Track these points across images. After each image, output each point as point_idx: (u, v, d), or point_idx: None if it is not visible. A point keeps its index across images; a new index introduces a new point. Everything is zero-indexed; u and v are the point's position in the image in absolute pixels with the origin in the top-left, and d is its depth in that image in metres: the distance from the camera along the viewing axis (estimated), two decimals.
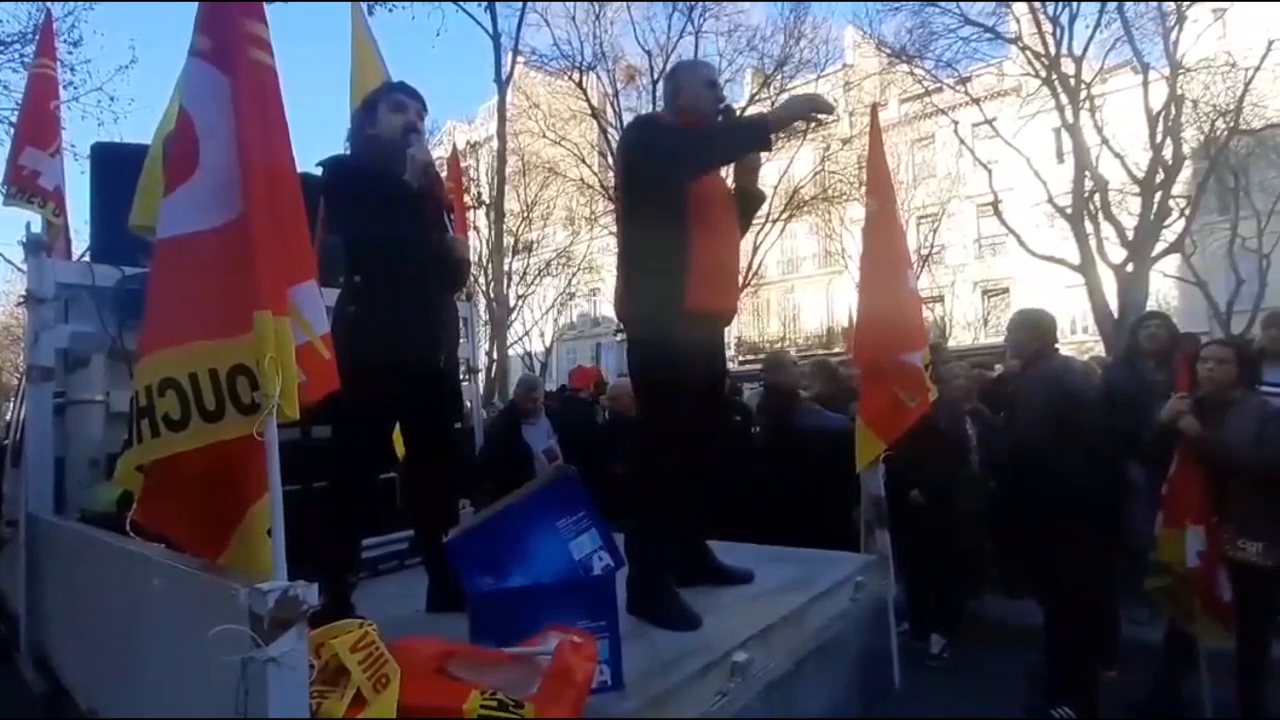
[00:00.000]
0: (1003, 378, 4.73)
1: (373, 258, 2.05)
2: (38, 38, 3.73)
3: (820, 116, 1.95)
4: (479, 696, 1.21)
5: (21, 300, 2.95)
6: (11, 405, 5.19)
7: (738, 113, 2.51)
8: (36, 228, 2.97)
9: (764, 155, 2.22)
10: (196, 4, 1.24)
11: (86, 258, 3.21)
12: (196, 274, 1.17)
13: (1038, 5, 11.29)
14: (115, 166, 3.18)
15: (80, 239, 4.16)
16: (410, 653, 1.29)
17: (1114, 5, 10.80)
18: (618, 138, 14.74)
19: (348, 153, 2.29)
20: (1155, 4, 10.87)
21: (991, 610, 4.23)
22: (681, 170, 1.98)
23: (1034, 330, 3.16)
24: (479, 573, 1.56)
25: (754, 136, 2.02)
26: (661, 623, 1.87)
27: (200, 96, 1.20)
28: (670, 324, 1.99)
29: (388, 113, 2.13)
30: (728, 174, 2.32)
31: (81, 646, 2.15)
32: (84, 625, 2.12)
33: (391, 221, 1.99)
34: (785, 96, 16.23)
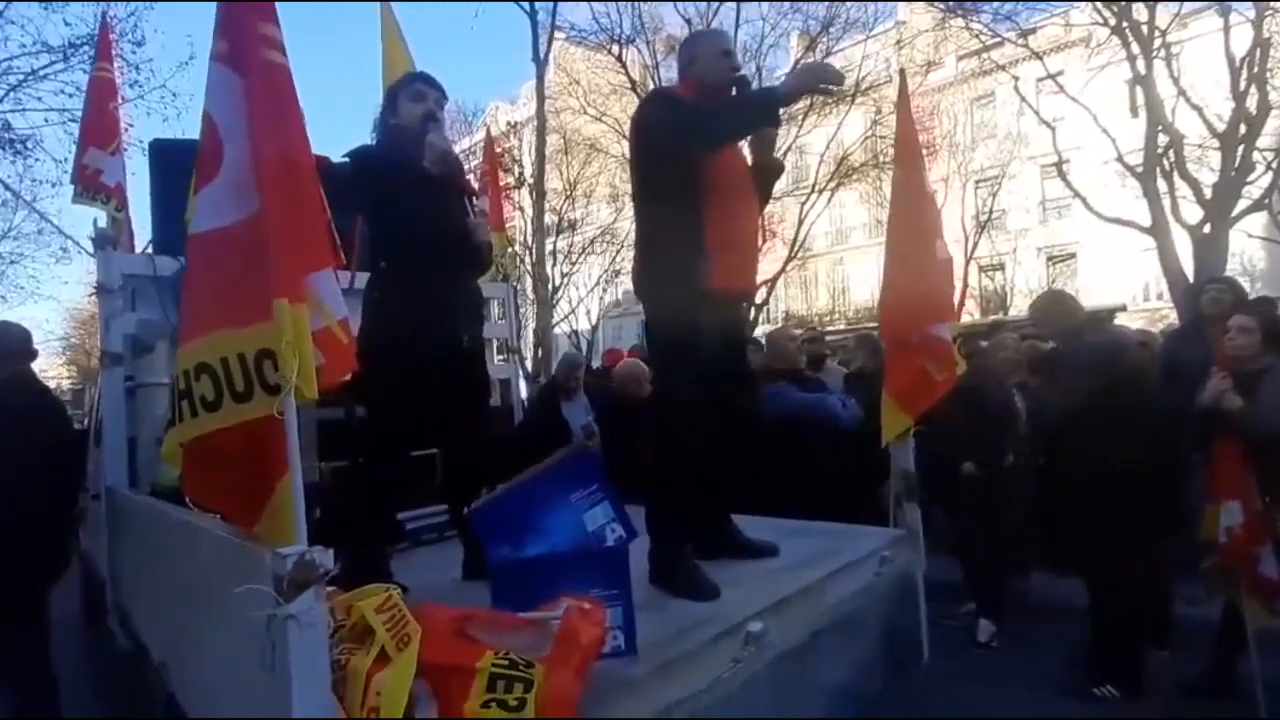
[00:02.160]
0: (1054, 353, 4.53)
1: (396, 243, 2.13)
2: (96, 42, 3.96)
3: (830, 88, 1.90)
4: (492, 655, 1.29)
5: (93, 291, 3.18)
6: (95, 389, 5.62)
7: (755, 84, 2.46)
8: (103, 223, 3.19)
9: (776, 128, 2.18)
10: (215, 8, 1.31)
11: (149, 250, 3.43)
12: (223, 267, 1.26)
13: None
14: (172, 161, 3.36)
15: (144, 232, 4.45)
16: (432, 616, 1.38)
17: None
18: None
19: (373, 143, 2.36)
20: None
21: (1037, 588, 4.13)
22: (694, 146, 1.97)
23: (1064, 308, 3.04)
24: (498, 543, 1.64)
25: (764, 111, 2.01)
26: (680, 593, 1.92)
27: (220, 99, 1.28)
28: (687, 303, 2.00)
29: (408, 102, 2.20)
30: (744, 146, 2.29)
31: (153, 607, 2.36)
32: (154, 588, 2.33)
33: (413, 208, 2.07)
34: (833, 60, 15.75)
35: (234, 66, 1.26)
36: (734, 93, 2.17)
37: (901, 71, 2.75)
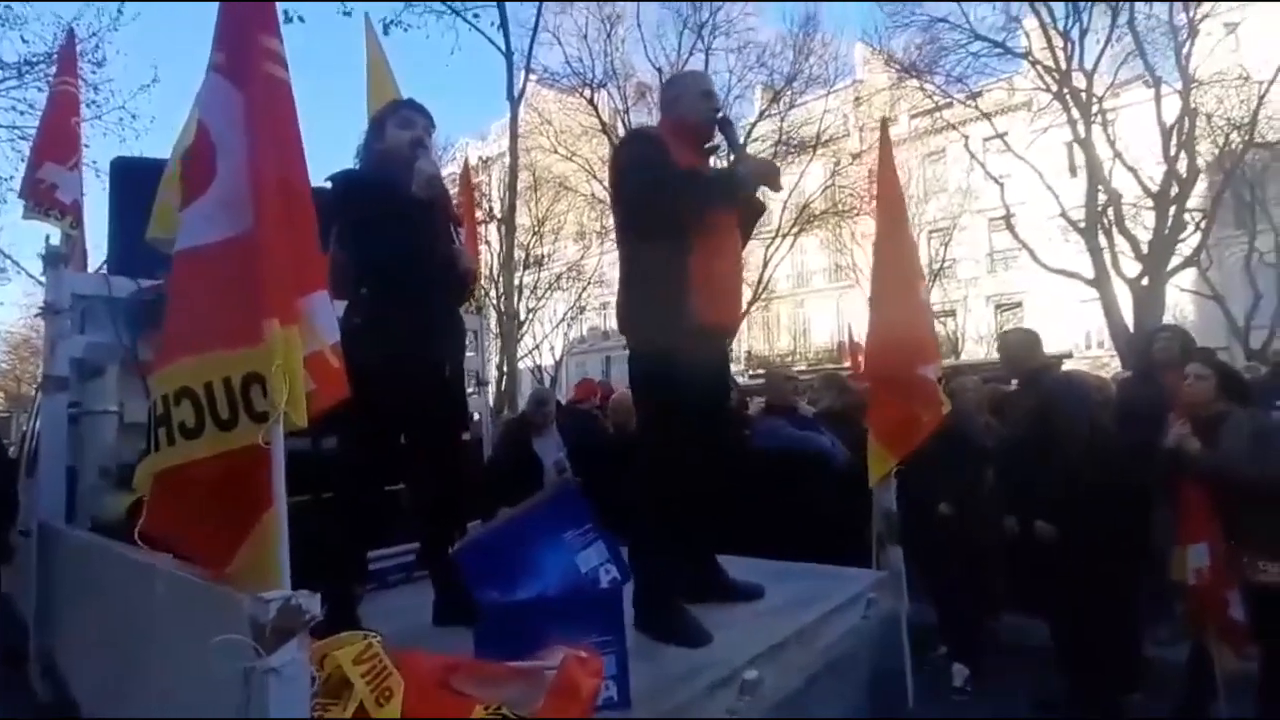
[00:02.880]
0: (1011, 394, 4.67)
1: (379, 269, 2.06)
2: (59, 56, 3.82)
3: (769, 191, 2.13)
4: (483, 710, 1.19)
5: (40, 311, 2.99)
6: (29, 416, 5.25)
7: (737, 126, 2.56)
8: (55, 241, 3.02)
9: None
10: (214, 19, 1.26)
11: (103, 270, 3.25)
12: (211, 285, 1.18)
13: (1048, 20, 11.31)
14: (134, 181, 3.24)
15: (99, 252, 4.24)
16: (414, 666, 1.27)
17: (1125, 20, 10.79)
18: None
19: (357, 168, 2.31)
20: (1167, 19, 10.84)
21: (1007, 628, 4.14)
22: (659, 211, 2.02)
23: (1031, 349, 3.16)
24: (485, 585, 1.54)
25: (727, 195, 2.12)
26: (670, 639, 1.84)
27: (216, 110, 1.22)
28: (671, 339, 2.00)
29: (395, 129, 2.16)
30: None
31: (88, 655, 2.15)
32: (91, 634, 2.13)
33: (398, 233, 2.01)
34: (795, 113, 16.41)
35: (232, 78, 1.20)
36: (717, 133, 2.22)
37: (884, 121, 2.85)
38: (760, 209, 2.39)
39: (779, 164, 14.70)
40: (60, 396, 2.75)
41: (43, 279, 2.92)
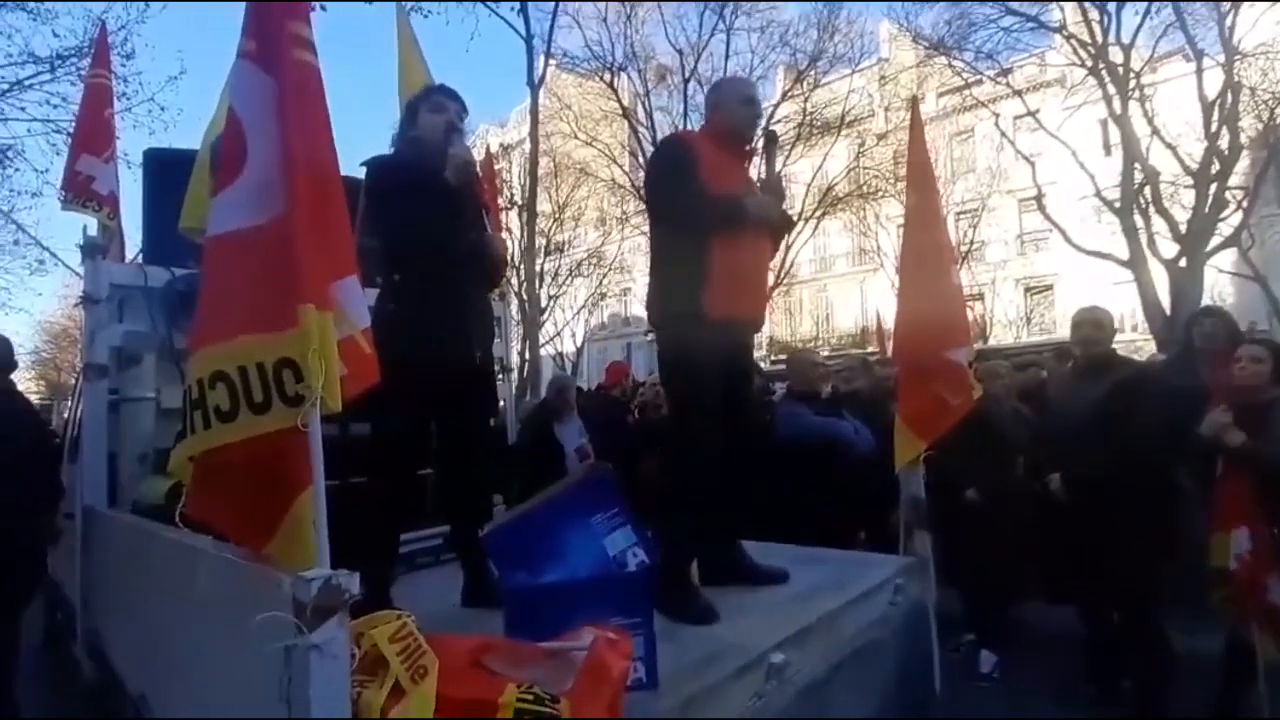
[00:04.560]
0: (1045, 381, 4.55)
1: (412, 256, 2.09)
2: (93, 49, 3.89)
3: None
4: (515, 690, 1.21)
5: (79, 302, 3.07)
6: (69, 403, 5.42)
7: (779, 135, 2.66)
8: (93, 232, 3.09)
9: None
10: (243, 7, 1.26)
11: (139, 260, 3.33)
12: (244, 270, 1.20)
13: None
14: (166, 171, 3.30)
15: (133, 243, 4.33)
16: (447, 646, 1.29)
17: None
18: (649, 139, 14.78)
19: (391, 153, 2.32)
20: None
21: (1032, 615, 4.09)
22: (687, 225, 2.12)
23: (1110, 330, 3.07)
24: (514, 568, 1.56)
25: (734, 221, 2.14)
26: (678, 617, 1.86)
27: (247, 97, 1.23)
28: (690, 330, 2.09)
29: (428, 114, 2.18)
30: (759, 179, 2.34)
31: (132, 634, 2.23)
32: (135, 614, 2.20)
33: (431, 220, 2.03)
34: (819, 93, 16.12)
35: (263, 65, 1.21)
36: (763, 146, 2.31)
37: (913, 99, 2.78)
38: (787, 225, 2.47)
39: (802, 145, 14.51)
40: (100, 384, 2.83)
41: (81, 270, 2.99)
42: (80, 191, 3.08)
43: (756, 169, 2.33)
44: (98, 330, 2.83)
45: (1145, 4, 10.64)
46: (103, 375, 2.83)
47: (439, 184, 2.05)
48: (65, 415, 5.60)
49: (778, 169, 2.35)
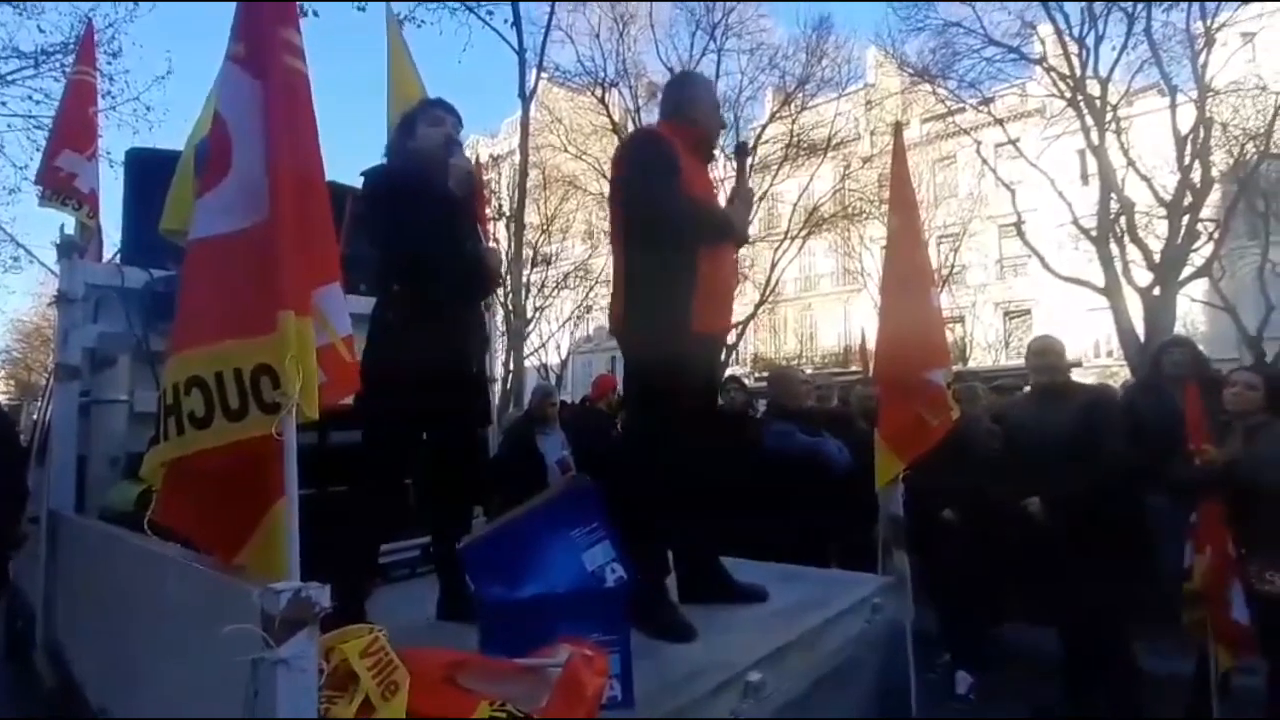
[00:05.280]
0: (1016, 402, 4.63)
1: (411, 266, 2.10)
2: (79, 46, 3.85)
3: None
4: (488, 707, 1.19)
5: (53, 300, 3.01)
6: (39, 405, 5.29)
7: (730, 134, 2.66)
8: (70, 230, 3.04)
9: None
10: (233, 9, 1.26)
11: (117, 260, 3.27)
12: (225, 274, 1.19)
13: (1063, 27, 11.24)
14: (148, 171, 3.25)
15: (111, 243, 4.26)
16: (419, 661, 1.27)
17: (1141, 28, 10.71)
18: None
19: (389, 164, 2.34)
20: (1183, 27, 10.76)
21: (1009, 635, 4.12)
22: (670, 230, 2.04)
23: (1062, 356, 3.15)
24: (490, 581, 1.54)
25: (721, 236, 2.16)
26: (655, 633, 1.84)
27: (234, 100, 1.22)
28: (677, 345, 2.02)
29: (426, 127, 2.21)
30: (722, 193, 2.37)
31: (96, 643, 2.16)
32: (99, 622, 2.14)
33: (432, 230, 2.06)
34: (806, 115, 16.38)
35: (251, 70, 1.21)
36: (736, 159, 2.30)
37: (897, 125, 2.83)
38: (744, 242, 2.43)
39: (789, 166, 14.74)
40: (72, 385, 2.77)
41: (56, 268, 2.93)
42: (60, 188, 3.03)
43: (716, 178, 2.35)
44: (71, 330, 2.78)
45: (1123, 39, 10.98)
46: (75, 376, 2.77)
47: (440, 194, 2.09)
48: (35, 416, 5.46)
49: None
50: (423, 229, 2.04)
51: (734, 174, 2.39)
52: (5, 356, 27.34)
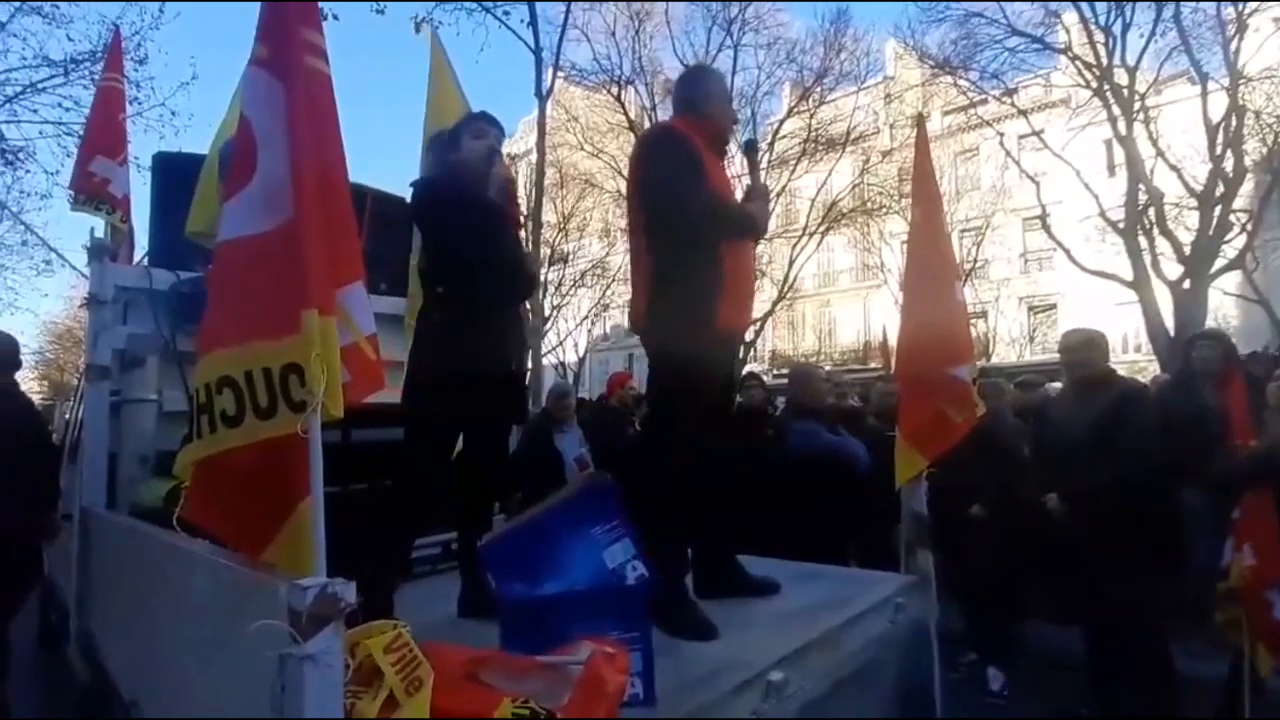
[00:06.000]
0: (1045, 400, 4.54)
1: (457, 270, 2.17)
2: (107, 54, 3.93)
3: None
4: (510, 704, 1.19)
5: (84, 303, 3.07)
6: (71, 405, 5.42)
7: (749, 129, 2.69)
8: (100, 233, 3.10)
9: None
10: (256, 11, 1.28)
11: (144, 262, 3.34)
12: (252, 276, 1.20)
13: (1089, 15, 10.99)
14: (175, 175, 3.32)
15: (139, 245, 4.35)
16: (442, 657, 1.28)
17: (1170, 14, 10.43)
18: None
19: (435, 175, 2.48)
20: (1214, 13, 10.46)
21: (1037, 636, 4.05)
22: (689, 227, 2.05)
23: (1103, 349, 3.09)
24: (510, 579, 1.55)
25: (742, 231, 2.17)
26: (676, 631, 1.84)
27: (258, 103, 1.24)
28: (702, 341, 2.03)
29: (470, 139, 2.30)
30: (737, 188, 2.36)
31: (127, 637, 2.21)
32: (130, 617, 2.18)
33: (474, 237, 2.15)
34: (824, 110, 16.23)
35: (274, 72, 1.22)
36: (746, 156, 2.36)
37: (919, 117, 2.79)
38: (762, 237, 2.43)
39: (807, 161, 14.65)
40: (102, 385, 2.83)
41: (86, 271, 2.99)
42: (94, 192, 3.11)
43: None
44: (101, 332, 2.84)
45: (1151, 26, 10.71)
46: (105, 376, 2.83)
47: (483, 204, 2.19)
48: (67, 416, 5.60)
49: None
50: (466, 235, 2.14)
51: (744, 171, 2.40)
52: (38, 358, 28.06)
